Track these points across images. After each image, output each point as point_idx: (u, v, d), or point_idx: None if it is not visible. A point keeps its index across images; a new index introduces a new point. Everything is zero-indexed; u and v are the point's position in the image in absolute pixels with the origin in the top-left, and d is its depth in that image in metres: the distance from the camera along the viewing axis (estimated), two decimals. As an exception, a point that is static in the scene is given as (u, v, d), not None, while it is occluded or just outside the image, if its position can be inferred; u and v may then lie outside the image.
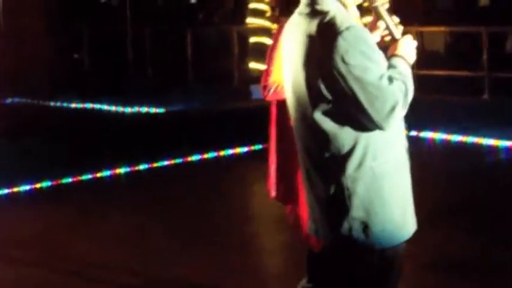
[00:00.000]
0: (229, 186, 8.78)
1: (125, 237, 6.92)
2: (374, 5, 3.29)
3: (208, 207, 7.81)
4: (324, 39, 3.11)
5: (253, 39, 13.17)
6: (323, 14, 3.15)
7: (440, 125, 10.71)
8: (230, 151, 10.22)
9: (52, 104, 14.67)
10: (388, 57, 3.23)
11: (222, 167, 9.70)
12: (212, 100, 12.92)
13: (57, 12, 16.67)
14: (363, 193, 3.14)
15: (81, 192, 8.69)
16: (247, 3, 14.51)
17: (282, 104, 4.15)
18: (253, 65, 13.16)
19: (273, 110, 4.61)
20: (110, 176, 9.21)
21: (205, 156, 10.01)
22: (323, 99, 3.13)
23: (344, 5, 3.25)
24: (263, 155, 9.68)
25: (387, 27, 3.32)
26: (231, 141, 10.24)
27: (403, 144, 3.28)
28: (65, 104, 14.57)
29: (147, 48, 15.65)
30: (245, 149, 10.33)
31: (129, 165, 9.38)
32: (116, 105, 13.84)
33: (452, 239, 6.56)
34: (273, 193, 4.71)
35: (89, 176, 9.06)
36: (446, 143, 10.49)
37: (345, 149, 3.14)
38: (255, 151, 10.21)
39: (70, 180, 8.92)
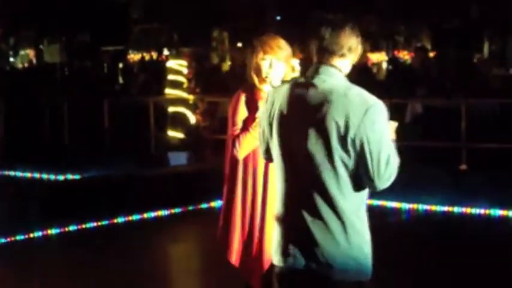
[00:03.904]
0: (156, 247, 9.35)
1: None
2: None
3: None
4: (353, 108, 3.40)
5: (171, 109, 13.88)
6: (332, 84, 3.49)
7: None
8: (152, 214, 10.77)
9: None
10: None
11: (146, 229, 10.24)
12: (131, 167, 13.40)
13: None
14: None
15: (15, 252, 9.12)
16: (160, 76, 15.25)
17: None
18: (171, 133, 13.87)
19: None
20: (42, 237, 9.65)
21: (130, 218, 10.55)
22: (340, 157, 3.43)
23: (341, 72, 3.59)
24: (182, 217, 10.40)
25: None
26: (152, 205, 10.83)
27: None
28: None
29: (63, 116, 15.96)
30: (166, 212, 10.93)
31: (59, 227, 9.83)
32: (33, 172, 14.21)
33: None
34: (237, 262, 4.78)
35: (22, 237, 9.48)
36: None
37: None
38: (175, 214, 10.88)
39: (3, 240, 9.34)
